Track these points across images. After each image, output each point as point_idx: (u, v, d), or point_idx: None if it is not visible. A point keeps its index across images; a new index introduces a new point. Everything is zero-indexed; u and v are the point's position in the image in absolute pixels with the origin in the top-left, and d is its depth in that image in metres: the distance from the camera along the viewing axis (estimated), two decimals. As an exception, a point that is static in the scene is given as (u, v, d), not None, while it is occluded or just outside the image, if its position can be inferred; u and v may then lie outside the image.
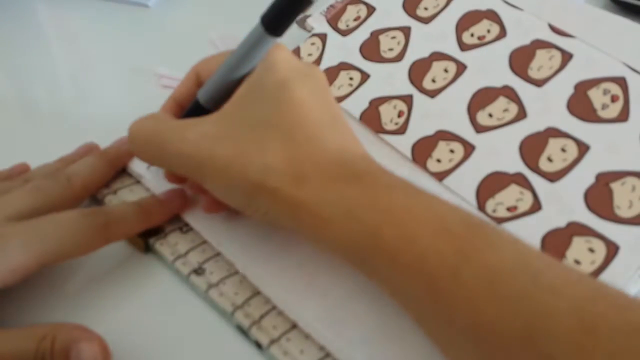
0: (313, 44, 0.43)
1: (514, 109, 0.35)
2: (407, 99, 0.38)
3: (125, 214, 0.31)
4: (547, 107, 0.35)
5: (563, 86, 0.35)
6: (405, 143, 0.36)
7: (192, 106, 0.32)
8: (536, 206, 0.32)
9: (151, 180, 0.35)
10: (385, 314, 0.28)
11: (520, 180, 0.33)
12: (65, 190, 0.31)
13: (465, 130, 0.36)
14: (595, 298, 0.22)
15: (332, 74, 0.41)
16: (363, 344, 0.27)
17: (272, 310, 0.29)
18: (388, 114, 0.38)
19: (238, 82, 0.29)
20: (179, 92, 0.33)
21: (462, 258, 0.23)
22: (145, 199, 0.33)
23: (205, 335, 0.30)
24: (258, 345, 0.28)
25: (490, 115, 0.36)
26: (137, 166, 0.35)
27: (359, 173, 0.26)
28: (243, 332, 0.29)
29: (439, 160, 0.35)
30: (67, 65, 0.49)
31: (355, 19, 0.43)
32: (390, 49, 0.40)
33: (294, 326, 0.28)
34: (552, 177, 0.33)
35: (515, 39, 0.37)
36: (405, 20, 0.41)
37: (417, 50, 0.40)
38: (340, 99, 0.39)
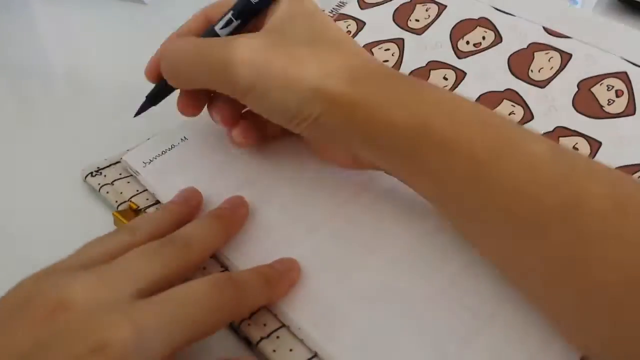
0: (305, 61, 0.42)
1: (519, 111, 0.35)
2: (409, 109, 0.37)
3: (253, 286, 0.27)
4: (553, 107, 0.35)
5: (566, 85, 0.35)
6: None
7: (209, 37, 0.32)
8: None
9: (147, 177, 0.34)
10: (378, 318, 0.27)
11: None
12: (185, 257, 0.27)
13: (472, 135, 0.35)
14: (624, 181, 0.24)
15: (327, 89, 0.40)
16: (354, 349, 0.26)
17: (263, 307, 0.28)
18: (391, 125, 0.37)
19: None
20: (187, 28, 0.33)
21: (506, 144, 0.25)
22: (266, 270, 0.29)
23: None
24: (247, 342, 0.28)
25: (497, 119, 0.35)
26: (133, 162, 0.34)
27: (403, 75, 0.29)
28: (233, 328, 0.28)
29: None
30: (63, 62, 0.48)
31: (345, 35, 0.42)
32: (385, 61, 0.40)
33: (285, 324, 0.28)
34: (568, 175, 0.32)
35: (512, 44, 0.37)
36: (397, 32, 0.41)
37: (413, 61, 0.39)
38: (339, 114, 0.38)
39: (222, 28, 0.31)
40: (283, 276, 0.29)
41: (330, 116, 0.27)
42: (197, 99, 0.33)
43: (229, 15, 0.31)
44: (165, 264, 0.26)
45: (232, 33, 0.31)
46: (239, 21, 0.31)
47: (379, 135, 0.27)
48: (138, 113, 0.34)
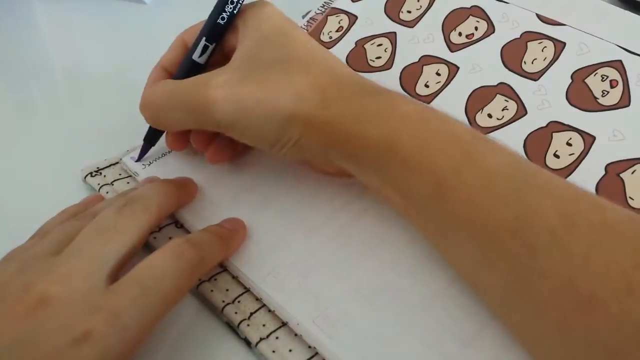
0: (298, 61, 0.42)
1: (512, 106, 0.35)
2: (403, 108, 0.37)
3: (209, 243, 0.29)
4: (547, 100, 0.34)
5: (560, 77, 0.34)
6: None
7: (188, 66, 0.33)
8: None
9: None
10: (377, 317, 0.28)
11: (528, 180, 0.33)
12: (143, 221, 0.29)
13: (465, 134, 0.35)
14: (578, 198, 0.24)
15: (322, 90, 0.40)
16: (354, 346, 0.27)
17: (262, 307, 0.29)
18: (385, 126, 0.37)
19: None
20: (168, 59, 0.34)
21: (465, 160, 0.26)
22: (218, 228, 0.31)
23: (195, 331, 0.29)
24: (247, 342, 0.28)
25: (490, 116, 0.35)
26: (133, 163, 0.35)
27: (374, 89, 0.29)
28: (232, 328, 0.29)
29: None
30: (63, 61, 0.48)
31: (337, 30, 0.42)
32: (378, 57, 0.39)
33: (284, 324, 0.28)
34: (561, 174, 0.32)
35: (505, 34, 0.37)
36: (389, 25, 0.40)
37: (406, 56, 0.39)
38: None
39: (200, 56, 0.32)
40: (234, 233, 0.31)
41: (308, 138, 0.28)
42: (183, 135, 0.34)
43: (203, 42, 0.31)
44: (126, 241, 0.27)
45: (210, 56, 0.32)
46: (213, 44, 0.32)
47: (353, 152, 0.28)
48: (140, 157, 0.35)
